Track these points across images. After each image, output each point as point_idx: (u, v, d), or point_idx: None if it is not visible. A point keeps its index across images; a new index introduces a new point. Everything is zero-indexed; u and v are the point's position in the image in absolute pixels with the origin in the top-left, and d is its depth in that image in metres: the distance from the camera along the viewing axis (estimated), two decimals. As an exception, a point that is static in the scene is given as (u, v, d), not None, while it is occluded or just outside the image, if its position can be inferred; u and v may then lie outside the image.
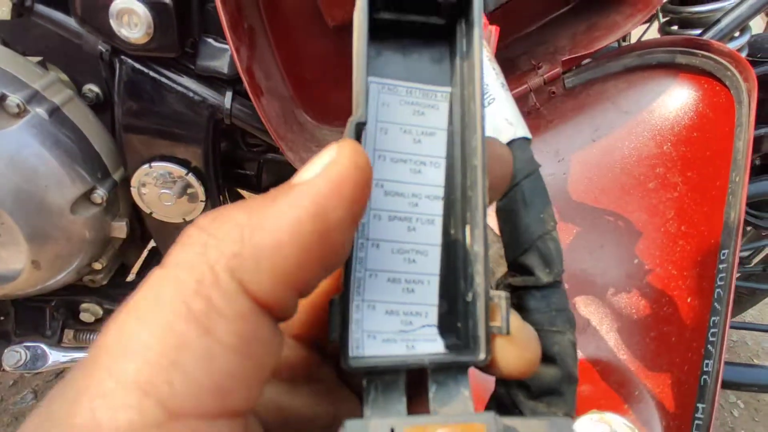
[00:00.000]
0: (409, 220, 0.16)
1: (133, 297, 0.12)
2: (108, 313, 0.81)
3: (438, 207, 0.16)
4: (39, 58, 0.62)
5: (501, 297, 0.15)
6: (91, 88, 0.66)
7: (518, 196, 0.18)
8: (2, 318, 0.68)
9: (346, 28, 0.54)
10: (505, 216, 0.18)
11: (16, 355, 0.75)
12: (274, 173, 0.76)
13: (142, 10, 0.52)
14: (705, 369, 0.33)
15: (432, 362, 0.14)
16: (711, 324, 0.34)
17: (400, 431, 0.13)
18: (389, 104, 0.16)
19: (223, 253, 0.12)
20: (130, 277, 0.86)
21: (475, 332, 0.15)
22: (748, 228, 0.86)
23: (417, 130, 0.16)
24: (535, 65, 0.52)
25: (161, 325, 0.11)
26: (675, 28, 0.60)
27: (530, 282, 0.17)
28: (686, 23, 0.58)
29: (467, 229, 0.15)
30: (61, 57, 0.63)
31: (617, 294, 0.42)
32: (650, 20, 0.71)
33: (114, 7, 0.51)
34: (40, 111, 0.57)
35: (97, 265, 0.71)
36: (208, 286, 0.11)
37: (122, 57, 0.57)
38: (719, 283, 0.34)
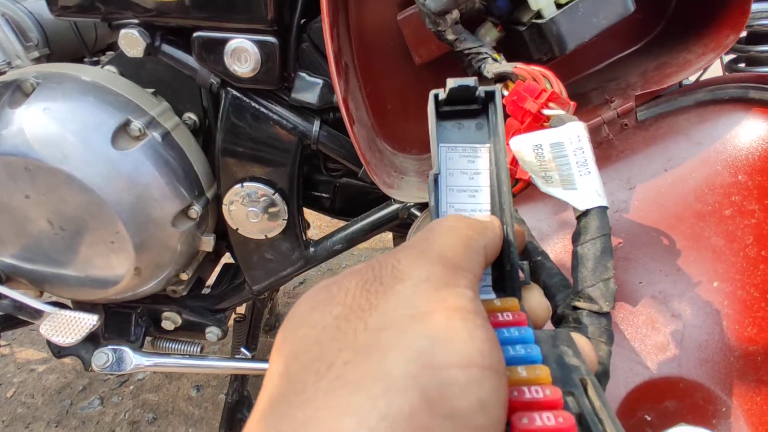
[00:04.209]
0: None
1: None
2: (186, 322, 0.87)
3: (486, 216, 0.26)
4: (152, 90, 0.70)
5: (523, 263, 0.24)
6: (190, 116, 0.74)
7: (593, 247, 0.26)
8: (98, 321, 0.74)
9: (430, 64, 0.60)
10: (582, 258, 0.26)
11: (104, 356, 0.81)
12: (347, 196, 0.82)
13: (252, 49, 0.59)
14: (797, 384, 0.34)
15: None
16: (800, 342, 0.35)
17: None
18: (452, 158, 0.26)
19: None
20: (205, 291, 0.92)
21: (512, 284, 0.24)
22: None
23: (470, 171, 0.26)
24: (608, 99, 0.56)
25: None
26: (742, 65, 0.63)
27: (594, 308, 0.25)
28: (754, 61, 0.61)
29: (506, 227, 0.24)
30: (167, 89, 0.71)
31: (697, 316, 0.44)
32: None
33: (229, 47, 0.59)
34: (156, 135, 0.64)
35: (184, 276, 0.78)
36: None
37: (228, 89, 0.64)
38: (807, 303, 0.36)
